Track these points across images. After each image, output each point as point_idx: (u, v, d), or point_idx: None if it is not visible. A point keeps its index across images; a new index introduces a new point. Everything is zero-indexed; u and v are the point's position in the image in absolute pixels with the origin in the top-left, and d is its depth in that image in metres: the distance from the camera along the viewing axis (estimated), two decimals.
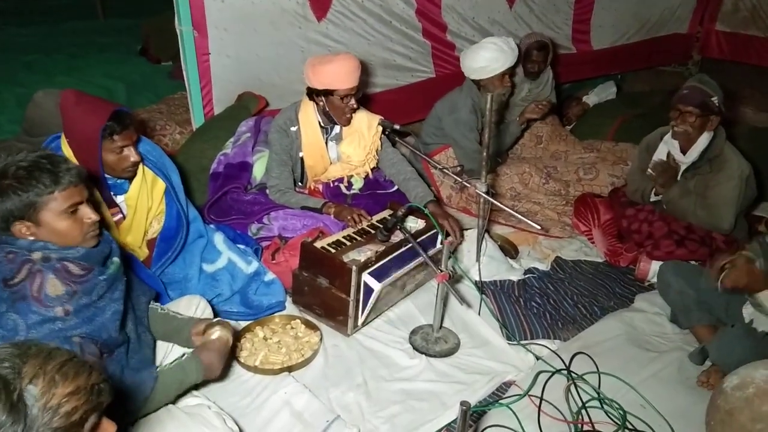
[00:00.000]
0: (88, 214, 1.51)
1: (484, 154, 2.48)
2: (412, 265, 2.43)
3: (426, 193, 2.82)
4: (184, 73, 3.16)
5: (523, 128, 3.66)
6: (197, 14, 3.00)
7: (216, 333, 1.69)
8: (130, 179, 2.17)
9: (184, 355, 1.65)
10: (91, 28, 6.39)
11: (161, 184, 2.27)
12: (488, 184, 2.51)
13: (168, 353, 1.88)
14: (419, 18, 3.85)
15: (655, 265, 2.73)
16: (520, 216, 2.47)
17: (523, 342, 2.36)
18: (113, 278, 1.56)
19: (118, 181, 2.15)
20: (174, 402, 1.65)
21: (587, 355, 2.25)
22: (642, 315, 2.55)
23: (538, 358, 2.26)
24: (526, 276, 2.80)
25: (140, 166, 2.17)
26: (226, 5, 3.07)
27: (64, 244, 1.47)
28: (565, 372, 2.17)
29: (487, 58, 3.20)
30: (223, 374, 1.97)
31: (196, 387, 1.74)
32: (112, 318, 1.53)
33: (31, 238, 1.45)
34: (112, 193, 2.14)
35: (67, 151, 2.04)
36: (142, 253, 2.29)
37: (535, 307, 2.58)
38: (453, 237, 2.61)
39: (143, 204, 2.21)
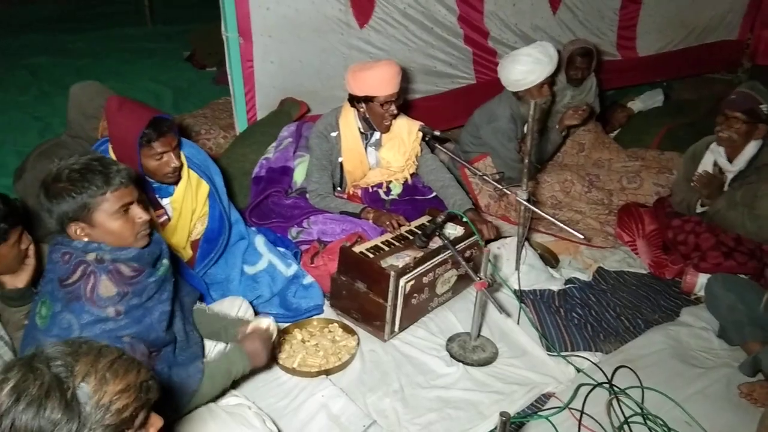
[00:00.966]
0: (139, 213, 1.55)
1: (526, 161, 2.45)
2: (439, 262, 2.41)
3: (464, 201, 2.81)
4: (229, 78, 3.24)
5: (563, 135, 3.61)
6: (243, 21, 3.07)
7: (264, 322, 1.71)
8: (174, 183, 2.22)
9: (227, 347, 1.67)
10: (139, 35, 6.62)
11: (205, 187, 2.32)
12: (529, 191, 2.48)
13: (212, 349, 1.92)
14: (461, 24, 3.84)
15: (703, 278, 2.64)
16: (561, 224, 2.42)
17: (563, 353, 2.31)
18: (162, 279, 1.60)
19: (164, 184, 2.21)
20: (215, 400, 1.68)
21: (630, 368, 2.20)
22: (688, 329, 2.47)
23: (578, 370, 2.22)
24: (567, 286, 2.74)
25: (185, 168, 2.22)
26: (271, 12, 3.13)
27: (117, 244, 1.51)
28: (607, 385, 2.12)
29: (522, 71, 3.15)
30: (268, 365, 2.01)
31: (237, 384, 1.76)
32: (160, 318, 1.57)
33: (86, 239, 1.50)
34: (157, 196, 2.20)
35: (114, 154, 2.11)
36: (186, 254, 2.35)
37: (576, 318, 2.53)
38: (486, 235, 2.58)
39: (188, 206, 2.27)
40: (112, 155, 2.10)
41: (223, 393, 1.71)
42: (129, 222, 1.53)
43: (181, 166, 2.18)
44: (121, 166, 1.55)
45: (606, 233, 3.20)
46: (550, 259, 2.99)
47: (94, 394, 0.91)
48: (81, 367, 0.92)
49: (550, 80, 3.32)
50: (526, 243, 2.74)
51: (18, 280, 1.71)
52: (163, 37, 6.46)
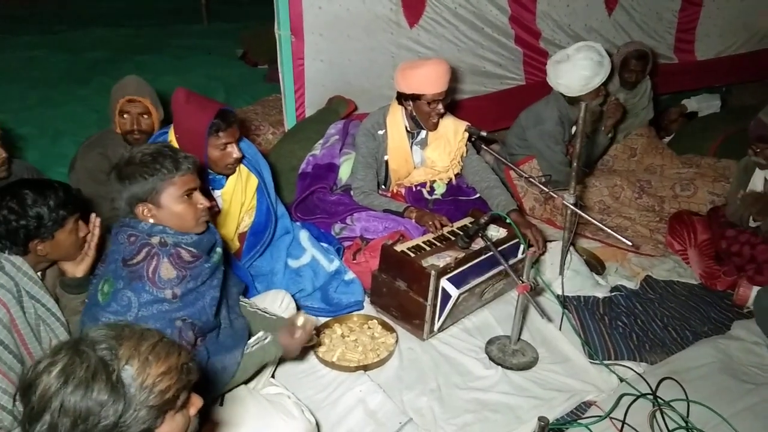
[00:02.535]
0: (200, 200, 1.63)
1: (575, 164, 2.41)
2: (491, 273, 2.40)
3: (509, 202, 2.78)
4: (280, 76, 3.30)
5: (609, 137, 3.52)
6: (296, 20, 3.13)
7: (300, 319, 1.75)
8: (230, 174, 2.29)
9: (267, 337, 1.72)
10: (195, 32, 6.81)
11: (254, 180, 2.38)
12: (576, 195, 2.44)
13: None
14: (512, 25, 3.80)
15: (757, 291, 2.54)
16: (609, 230, 2.37)
17: (606, 362, 2.26)
18: (215, 267, 1.67)
19: (216, 176, 2.27)
20: (247, 383, 1.74)
21: (676, 381, 2.14)
22: (739, 343, 2.38)
23: (621, 379, 2.17)
24: (613, 294, 2.68)
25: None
26: (323, 11, 3.18)
27: (179, 228, 1.60)
28: (651, 397, 2.07)
29: (586, 77, 3.05)
30: (302, 356, 2.06)
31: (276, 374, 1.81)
32: (210, 303, 1.63)
33: (152, 220, 1.58)
34: (210, 188, 2.27)
35: (177, 144, 2.18)
36: (234, 245, 2.42)
37: (620, 327, 2.47)
38: (535, 247, 2.55)
39: (238, 198, 2.33)
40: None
41: (255, 375, 1.77)
42: (192, 207, 1.61)
43: (242, 157, 2.25)
44: (188, 154, 1.63)
45: (656, 241, 3.11)
46: (596, 265, 2.93)
47: (137, 376, 0.95)
48: (124, 351, 0.96)
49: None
50: (572, 248, 2.70)
51: (78, 270, 1.80)
52: (218, 34, 6.62)
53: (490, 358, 2.25)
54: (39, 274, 1.75)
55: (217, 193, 2.31)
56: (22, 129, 3.83)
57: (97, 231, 1.84)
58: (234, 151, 2.19)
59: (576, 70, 3.07)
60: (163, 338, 1.03)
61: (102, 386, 0.91)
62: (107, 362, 0.93)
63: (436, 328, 2.32)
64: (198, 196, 1.63)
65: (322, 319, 2.40)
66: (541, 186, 2.62)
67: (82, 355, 0.93)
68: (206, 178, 2.23)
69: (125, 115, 2.52)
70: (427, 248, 2.43)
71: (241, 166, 2.31)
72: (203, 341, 1.63)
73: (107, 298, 1.52)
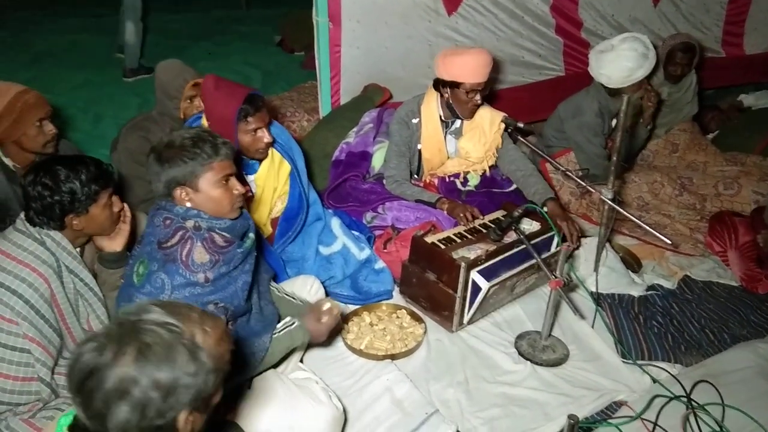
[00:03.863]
0: (236, 185, 1.65)
1: (615, 158, 2.34)
2: (523, 267, 2.36)
3: (546, 190, 2.73)
4: (317, 63, 3.30)
5: (649, 129, 3.41)
6: (334, 6, 3.12)
7: (327, 304, 1.76)
8: (261, 160, 2.30)
9: (294, 322, 1.73)
10: (234, 18, 6.86)
11: (287, 166, 2.39)
12: (614, 190, 2.38)
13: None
14: (553, 14, 3.71)
15: None
16: (647, 227, 2.31)
17: (639, 362, 2.21)
18: (247, 252, 1.69)
19: (250, 161, 2.29)
20: (276, 367, 1.76)
21: (711, 384, 2.07)
22: None
23: (655, 380, 2.11)
24: (649, 292, 2.61)
25: (270, 148, 2.29)
26: None
27: (214, 213, 1.62)
28: (685, 399, 2.01)
29: (630, 68, 2.97)
30: (328, 342, 2.07)
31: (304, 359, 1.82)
32: (242, 288, 1.65)
33: (188, 204, 1.60)
34: (243, 173, 2.29)
35: None
36: (266, 230, 2.44)
37: (656, 327, 2.41)
38: (569, 241, 2.51)
39: (271, 184, 2.35)
40: None
41: (283, 360, 1.79)
42: (228, 192, 1.63)
43: (273, 141, 2.26)
44: (226, 140, 1.65)
45: (695, 240, 3.02)
46: (632, 263, 2.86)
47: (204, 345, 0.99)
48: (185, 324, 0.99)
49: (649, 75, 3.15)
50: (608, 244, 2.64)
51: (115, 244, 1.84)
52: (257, 20, 6.67)
53: (520, 353, 2.23)
54: (78, 249, 1.79)
55: (250, 178, 2.33)
56: (65, 110, 3.94)
57: (127, 208, 1.87)
58: (264, 136, 2.20)
59: (619, 61, 2.99)
60: (202, 310, 1.07)
61: (184, 357, 0.95)
62: (178, 335, 0.97)
63: (465, 320, 2.31)
64: (234, 181, 1.65)
65: (351, 307, 2.40)
66: (578, 180, 2.56)
67: (150, 333, 0.95)
68: (240, 164, 2.24)
69: (194, 100, 2.53)
70: (458, 240, 2.41)
71: (274, 151, 2.32)
72: (233, 325, 1.65)
73: (142, 279, 1.54)
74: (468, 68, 2.57)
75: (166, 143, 1.59)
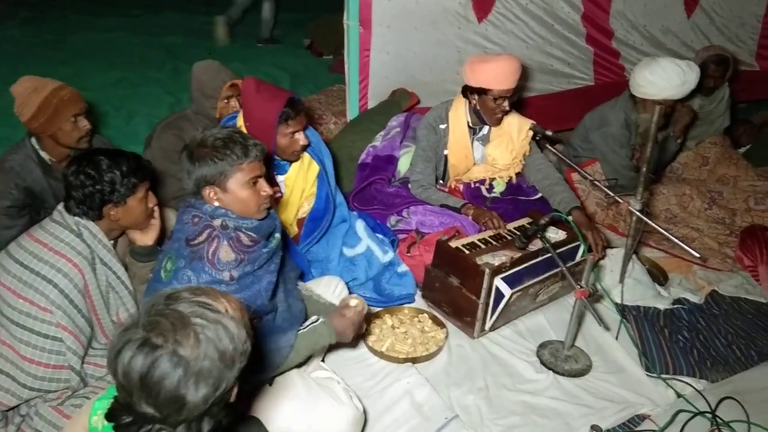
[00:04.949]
0: (264, 187, 1.67)
1: (644, 169, 2.32)
2: (547, 275, 2.35)
3: (572, 199, 2.71)
4: (346, 66, 3.33)
5: (679, 142, 3.36)
6: (365, 11, 3.15)
7: (353, 301, 1.76)
8: (294, 161, 2.33)
9: (318, 319, 1.74)
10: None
11: (315, 168, 2.42)
12: (643, 202, 2.35)
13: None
14: (584, 23, 3.70)
15: None
16: (676, 240, 2.28)
17: (663, 376, 2.18)
18: (273, 252, 1.71)
19: (281, 162, 2.32)
20: (299, 366, 1.77)
21: (737, 401, 2.03)
22: None
23: (679, 395, 2.08)
24: (675, 306, 2.57)
25: None
26: (392, 3, 3.18)
27: (241, 213, 1.64)
28: (710, 415, 1.98)
29: (676, 84, 2.91)
30: (353, 343, 2.08)
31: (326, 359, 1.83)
32: (267, 287, 1.68)
33: (217, 203, 1.63)
34: (274, 173, 2.32)
35: (246, 131, 2.23)
36: (293, 230, 2.47)
37: (681, 341, 2.37)
38: (594, 251, 2.48)
39: (299, 185, 2.38)
40: None
41: (307, 360, 1.80)
42: (255, 193, 1.65)
43: (309, 144, 2.28)
44: (257, 141, 1.67)
45: (724, 255, 2.97)
46: (658, 275, 2.82)
47: (235, 314, 1.04)
48: (214, 301, 1.03)
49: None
50: (634, 256, 2.61)
51: (147, 238, 1.89)
52: (287, 24, 6.73)
53: (542, 362, 2.21)
54: (111, 242, 1.83)
55: (280, 179, 2.36)
56: (99, 107, 4.03)
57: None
58: (301, 139, 2.24)
59: (670, 70, 2.94)
60: (212, 288, 1.11)
61: (233, 327, 1.00)
62: (217, 311, 1.01)
63: (487, 327, 2.30)
64: (262, 183, 1.67)
65: (373, 309, 2.41)
66: (606, 190, 2.54)
67: (195, 316, 0.99)
68: (271, 164, 2.27)
69: (230, 100, 2.58)
70: (483, 246, 2.41)
71: (304, 153, 2.35)
72: (258, 322, 1.67)
73: (169, 275, 1.57)
74: (496, 75, 2.57)
75: (198, 142, 1.63)
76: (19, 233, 1.84)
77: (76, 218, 1.74)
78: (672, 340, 2.37)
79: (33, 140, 2.25)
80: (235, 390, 1.06)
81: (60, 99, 2.15)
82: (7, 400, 1.68)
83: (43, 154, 2.26)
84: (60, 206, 1.77)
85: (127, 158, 1.76)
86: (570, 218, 2.32)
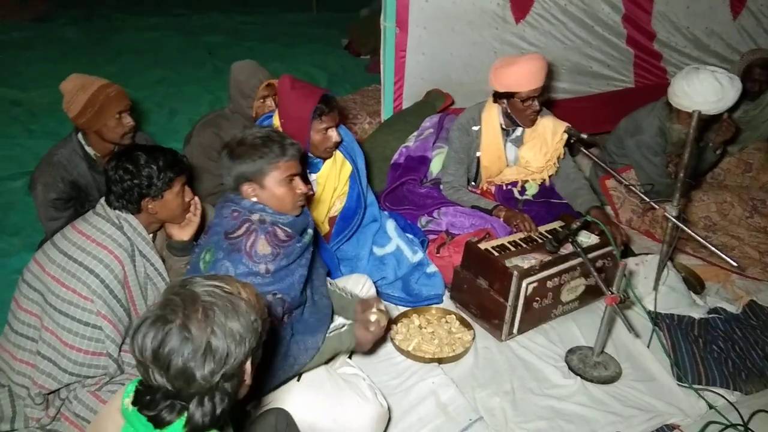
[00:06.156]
0: (300, 185, 1.73)
1: (681, 175, 2.27)
2: (565, 267, 2.32)
3: (592, 199, 2.69)
4: (382, 67, 3.36)
5: (718, 153, 3.26)
6: (402, 12, 3.17)
7: (374, 316, 1.79)
8: (326, 159, 2.37)
9: (344, 326, 1.78)
10: (303, 21, 7.05)
11: (348, 167, 2.45)
12: (680, 208, 2.30)
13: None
14: (625, 24, 3.63)
15: None
16: (713, 248, 2.23)
17: (695, 386, 2.13)
18: (305, 247, 1.76)
19: (314, 160, 2.36)
20: (327, 362, 1.81)
21: None
22: None
23: (711, 406, 2.04)
24: (711, 316, 2.51)
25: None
26: (429, 4, 3.19)
27: (278, 208, 1.70)
28: (742, 428, 1.93)
29: (714, 99, 2.74)
30: (373, 350, 2.11)
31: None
32: (299, 280, 1.72)
33: (254, 199, 1.69)
34: (307, 171, 2.36)
35: (282, 129, 2.27)
36: (324, 228, 2.50)
37: (716, 352, 2.32)
38: (612, 244, 2.43)
39: (331, 183, 2.42)
40: None
41: (334, 357, 1.84)
42: (291, 191, 1.71)
43: (341, 141, 2.33)
44: (294, 141, 1.73)
45: (765, 264, 2.88)
46: (694, 284, 2.75)
47: (249, 298, 1.11)
48: (228, 284, 1.09)
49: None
50: (669, 263, 2.56)
51: (184, 233, 1.95)
52: (326, 24, 6.82)
53: (570, 368, 2.20)
54: (150, 236, 1.90)
55: (312, 177, 2.40)
56: (143, 104, 4.16)
57: (197, 200, 1.98)
58: (334, 135, 2.28)
59: (709, 83, 2.78)
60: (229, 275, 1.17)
61: (243, 308, 1.07)
62: (229, 292, 1.07)
63: (515, 330, 2.29)
64: (298, 181, 1.72)
65: (401, 308, 2.43)
66: (642, 195, 2.50)
67: (207, 295, 1.05)
68: (306, 163, 2.32)
69: (267, 100, 2.64)
70: (513, 248, 2.40)
71: (337, 152, 2.39)
72: (289, 318, 1.71)
73: (208, 266, 1.63)
74: (520, 77, 2.55)
75: (238, 140, 1.69)
76: (65, 225, 1.92)
77: (117, 211, 1.81)
78: (706, 350, 2.31)
79: (79, 135, 2.34)
80: (249, 370, 1.11)
81: (106, 96, 2.24)
82: (48, 384, 1.76)
83: (88, 149, 2.35)
84: (102, 200, 1.85)
85: (164, 153, 1.83)
86: (589, 217, 2.29)
